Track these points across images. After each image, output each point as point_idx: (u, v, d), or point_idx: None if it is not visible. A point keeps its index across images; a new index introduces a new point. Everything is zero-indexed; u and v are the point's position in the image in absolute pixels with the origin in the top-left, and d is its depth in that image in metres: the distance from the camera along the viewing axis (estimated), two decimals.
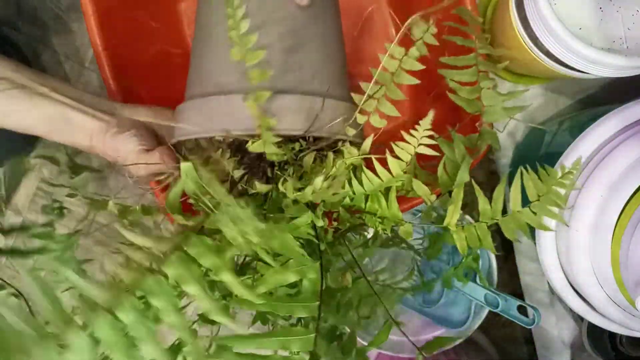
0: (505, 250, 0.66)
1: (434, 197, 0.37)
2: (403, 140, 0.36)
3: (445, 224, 0.36)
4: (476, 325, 0.59)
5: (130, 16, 0.53)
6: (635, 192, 0.36)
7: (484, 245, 0.37)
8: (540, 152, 0.50)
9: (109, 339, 0.28)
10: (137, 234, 0.30)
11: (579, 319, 0.59)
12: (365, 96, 0.38)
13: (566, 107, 0.57)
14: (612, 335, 0.56)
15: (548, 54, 0.42)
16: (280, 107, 0.38)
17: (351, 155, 0.38)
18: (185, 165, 0.34)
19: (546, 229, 0.37)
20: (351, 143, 0.40)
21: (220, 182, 0.40)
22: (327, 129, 0.39)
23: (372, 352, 0.67)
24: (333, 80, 0.42)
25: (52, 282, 0.35)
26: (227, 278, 0.30)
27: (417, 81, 0.37)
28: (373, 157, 0.37)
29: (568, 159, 0.40)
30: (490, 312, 0.57)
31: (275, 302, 0.33)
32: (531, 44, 0.43)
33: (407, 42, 0.37)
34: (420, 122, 0.35)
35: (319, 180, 0.34)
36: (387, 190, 0.38)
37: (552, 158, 0.41)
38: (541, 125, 0.56)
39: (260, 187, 0.37)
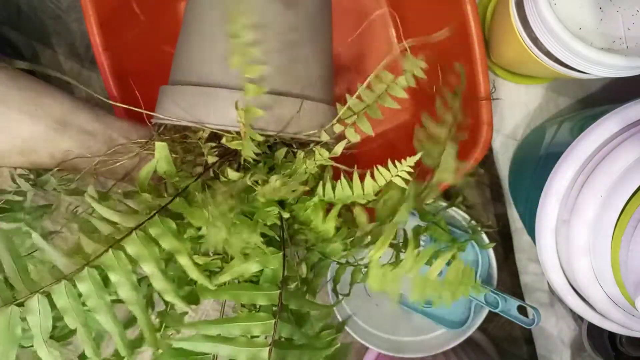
0: (505, 250, 0.66)
1: (370, 226, 0.38)
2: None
3: (369, 255, 0.36)
4: (476, 325, 0.59)
5: (130, 16, 0.53)
6: (635, 192, 0.36)
7: (391, 288, 0.37)
8: (540, 152, 0.50)
9: (64, 305, 0.29)
10: (105, 207, 0.31)
11: (579, 319, 0.58)
12: (346, 108, 0.39)
13: (566, 107, 0.57)
14: (612, 335, 0.56)
15: (548, 54, 0.42)
16: (258, 106, 0.38)
17: (322, 157, 0.38)
18: (159, 145, 0.35)
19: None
20: (325, 144, 0.41)
21: (193, 165, 0.41)
22: (301, 132, 0.40)
23: (372, 352, 0.67)
24: (315, 83, 0.42)
25: (21, 247, 0.36)
26: (185, 262, 0.32)
27: (398, 107, 0.38)
28: (356, 171, 0.37)
29: (568, 159, 0.40)
30: (490, 312, 0.57)
31: (237, 290, 0.34)
32: (531, 44, 0.43)
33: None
34: (408, 158, 0.37)
35: (274, 179, 0.35)
36: (330, 206, 0.38)
37: (552, 158, 0.41)
38: (541, 125, 0.56)
39: (232, 174, 0.38)
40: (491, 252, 0.59)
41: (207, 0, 0.41)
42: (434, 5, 0.51)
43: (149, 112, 0.40)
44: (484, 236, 0.57)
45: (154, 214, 0.32)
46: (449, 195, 0.63)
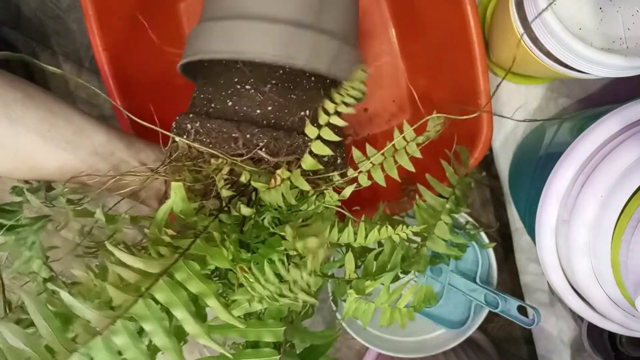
0: (505, 250, 0.66)
1: (355, 275, 0.38)
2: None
3: (348, 292, 0.37)
4: (476, 325, 0.59)
5: (130, 16, 0.53)
6: (635, 192, 0.36)
7: (363, 318, 0.39)
8: (540, 152, 0.50)
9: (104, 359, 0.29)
10: (127, 254, 0.31)
11: (579, 319, 0.59)
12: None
13: (566, 107, 0.57)
14: (612, 335, 0.56)
15: (548, 54, 0.42)
16: (303, 42, 0.40)
17: (332, 199, 0.39)
18: (176, 185, 0.35)
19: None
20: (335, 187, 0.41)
21: (201, 195, 0.41)
22: (341, 72, 0.42)
23: (372, 352, 0.67)
24: (352, 28, 0.45)
25: (48, 298, 0.36)
26: (214, 304, 0.32)
27: (412, 169, 0.39)
28: (364, 221, 0.38)
29: (568, 159, 0.40)
30: (490, 312, 0.57)
31: (245, 327, 0.35)
32: (531, 44, 0.43)
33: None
34: (415, 227, 0.38)
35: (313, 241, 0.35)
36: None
37: (552, 158, 0.41)
38: (541, 125, 0.56)
39: (245, 210, 0.38)
40: (491, 252, 0.59)
41: None
42: (434, 6, 0.51)
43: (151, 126, 0.39)
44: (484, 236, 0.57)
45: (178, 258, 0.32)
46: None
